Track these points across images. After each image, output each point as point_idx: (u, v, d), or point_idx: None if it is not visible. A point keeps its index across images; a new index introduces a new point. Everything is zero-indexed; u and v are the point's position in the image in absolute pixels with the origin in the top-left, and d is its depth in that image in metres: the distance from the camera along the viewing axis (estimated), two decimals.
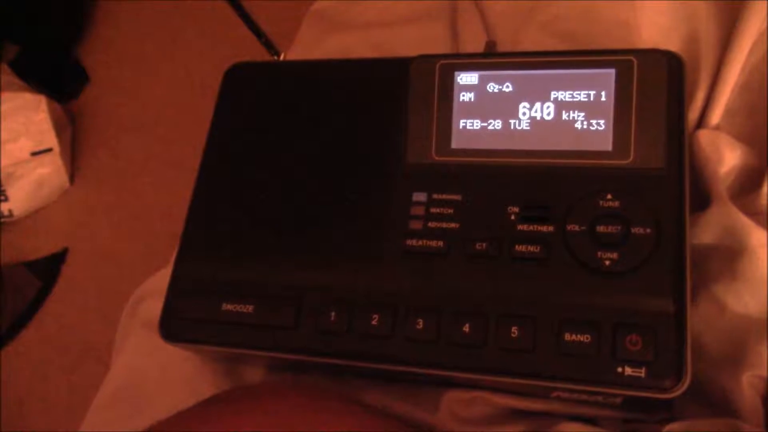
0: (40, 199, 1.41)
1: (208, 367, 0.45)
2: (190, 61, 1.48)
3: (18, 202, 1.39)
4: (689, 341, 0.33)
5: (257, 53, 1.16)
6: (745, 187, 0.41)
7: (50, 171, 1.40)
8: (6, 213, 1.38)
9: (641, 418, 0.38)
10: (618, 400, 0.35)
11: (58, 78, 1.53)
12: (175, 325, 0.41)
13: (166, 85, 1.49)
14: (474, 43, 0.50)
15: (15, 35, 1.48)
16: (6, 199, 1.38)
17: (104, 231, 1.39)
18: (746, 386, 0.34)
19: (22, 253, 1.39)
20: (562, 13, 0.48)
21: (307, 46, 0.59)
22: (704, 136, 0.41)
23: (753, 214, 0.38)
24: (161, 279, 0.45)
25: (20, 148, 1.36)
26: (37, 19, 1.48)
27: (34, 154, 1.38)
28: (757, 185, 0.40)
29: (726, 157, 0.40)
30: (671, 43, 0.45)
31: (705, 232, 0.38)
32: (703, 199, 0.40)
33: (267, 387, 0.40)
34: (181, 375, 0.45)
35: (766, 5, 0.43)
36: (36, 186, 1.39)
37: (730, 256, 0.36)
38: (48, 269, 1.37)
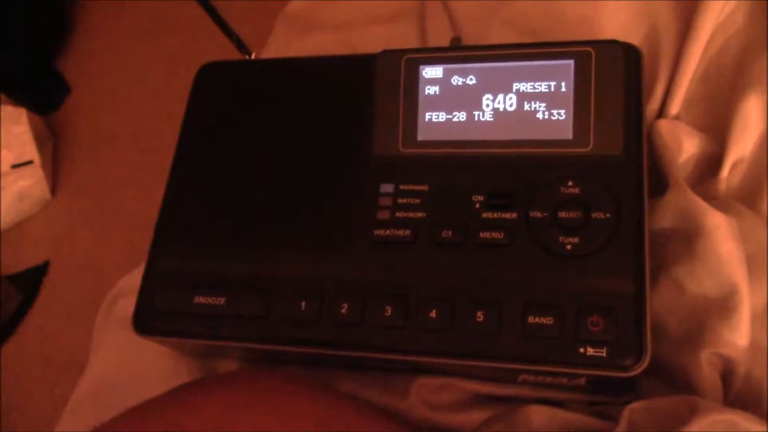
0: (21, 211, 1.41)
1: (183, 363, 0.45)
2: (171, 72, 1.48)
3: None
4: (649, 321, 0.34)
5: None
6: (703, 175, 0.42)
7: (31, 183, 1.39)
8: None
9: (608, 401, 0.39)
10: (582, 380, 0.36)
11: (38, 90, 1.53)
12: (148, 319, 0.41)
13: (147, 96, 1.49)
14: (441, 41, 0.51)
15: None
16: None
17: (86, 243, 1.39)
18: (705, 364, 0.35)
19: (3, 266, 1.38)
20: (525, 11, 0.49)
21: (280, 47, 0.60)
22: (664, 125, 0.42)
23: (711, 199, 0.40)
24: (136, 277, 0.45)
25: (1, 160, 1.36)
26: (17, 30, 1.48)
27: (15, 166, 1.37)
28: (715, 172, 0.41)
29: (685, 146, 0.42)
30: (632, 38, 0.45)
31: (663, 216, 0.39)
32: (662, 186, 0.41)
33: (239, 373, 0.41)
34: (157, 372, 0.46)
35: (721, 2, 0.44)
36: (17, 198, 1.39)
37: (687, 238, 0.37)
38: (29, 282, 1.36)
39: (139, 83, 1.52)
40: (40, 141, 1.40)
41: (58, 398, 1.22)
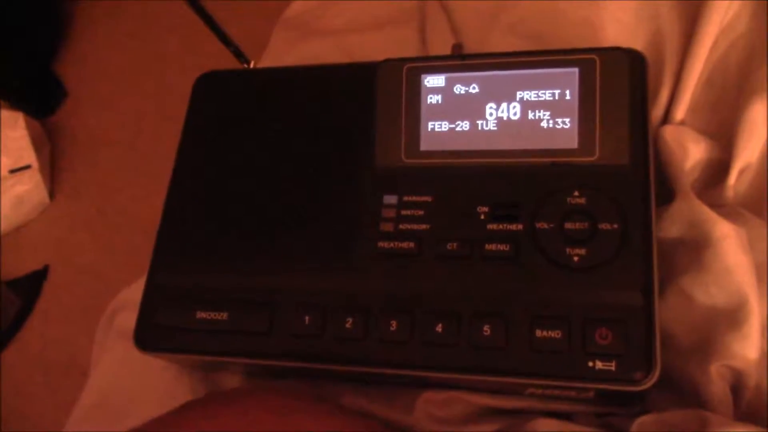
0: (20, 216, 1.40)
1: (185, 376, 0.45)
2: (168, 74, 1.48)
3: None
4: (658, 334, 0.34)
5: (236, 65, 1.17)
6: (710, 181, 0.42)
7: (30, 188, 1.39)
8: None
9: (616, 412, 0.38)
10: (590, 394, 0.35)
11: (35, 94, 1.52)
12: (150, 335, 0.41)
13: (144, 98, 1.49)
14: (442, 47, 0.50)
15: None
16: None
17: (85, 246, 1.39)
18: (715, 376, 0.34)
19: (2, 271, 1.38)
20: (527, 15, 0.49)
21: (279, 54, 0.60)
22: (669, 132, 0.42)
23: (718, 206, 0.39)
24: (137, 290, 0.45)
25: None
26: (13, 34, 1.47)
27: (13, 171, 1.37)
28: (722, 178, 0.41)
29: (691, 152, 0.41)
30: (636, 42, 0.45)
31: (671, 225, 0.39)
32: (669, 194, 0.40)
33: (241, 390, 0.40)
34: (159, 385, 0.45)
35: (725, 3, 0.43)
36: (16, 203, 1.39)
37: (695, 248, 0.37)
38: (29, 287, 1.36)
39: (135, 86, 1.51)
40: (37, 145, 1.40)
41: (59, 403, 1.21)
